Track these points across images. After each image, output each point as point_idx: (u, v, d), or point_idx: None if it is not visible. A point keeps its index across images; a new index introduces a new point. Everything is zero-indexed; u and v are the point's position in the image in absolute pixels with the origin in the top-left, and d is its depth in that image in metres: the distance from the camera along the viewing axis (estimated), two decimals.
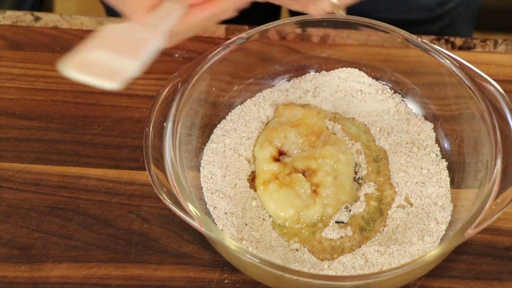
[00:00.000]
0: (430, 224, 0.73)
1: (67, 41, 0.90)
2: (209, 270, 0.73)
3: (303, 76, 0.84)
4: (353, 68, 0.84)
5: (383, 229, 0.74)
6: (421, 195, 0.75)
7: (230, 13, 0.66)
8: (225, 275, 0.73)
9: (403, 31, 0.78)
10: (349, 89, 0.83)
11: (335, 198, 0.75)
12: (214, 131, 0.80)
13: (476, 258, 0.74)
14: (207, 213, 0.74)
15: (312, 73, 0.84)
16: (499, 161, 0.69)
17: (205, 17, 0.65)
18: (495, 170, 0.68)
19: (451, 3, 1.00)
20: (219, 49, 0.77)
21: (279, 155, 0.77)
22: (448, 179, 0.76)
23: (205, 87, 0.77)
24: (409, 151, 0.78)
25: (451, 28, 1.03)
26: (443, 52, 0.76)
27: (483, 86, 0.73)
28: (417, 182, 0.76)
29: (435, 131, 0.80)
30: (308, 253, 0.73)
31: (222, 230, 0.72)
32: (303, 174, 0.76)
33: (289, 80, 0.84)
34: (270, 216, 0.75)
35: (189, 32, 0.67)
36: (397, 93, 0.83)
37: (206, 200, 0.75)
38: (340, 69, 0.84)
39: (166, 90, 0.73)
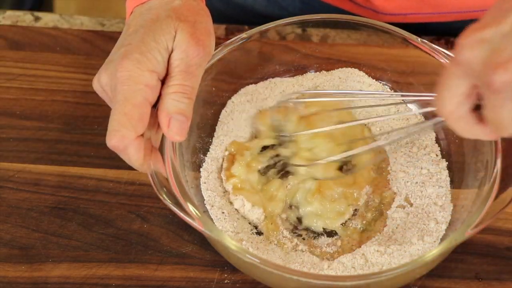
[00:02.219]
0: (430, 224, 0.73)
1: (67, 41, 0.90)
2: (209, 270, 0.73)
3: (303, 75, 0.84)
4: (353, 68, 0.84)
5: (383, 229, 0.74)
6: (421, 195, 0.75)
7: None
8: (225, 275, 0.73)
9: (403, 31, 0.78)
10: (349, 89, 0.83)
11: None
12: (215, 130, 0.80)
13: (476, 258, 0.74)
14: (207, 213, 0.74)
15: (312, 73, 0.84)
16: (499, 161, 0.69)
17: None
18: (495, 170, 0.68)
19: None
20: (219, 49, 0.77)
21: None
22: (448, 179, 0.76)
23: (205, 87, 0.77)
24: (409, 151, 0.78)
25: None
26: (443, 52, 0.76)
27: None
28: (417, 182, 0.76)
29: (435, 131, 0.80)
30: (308, 253, 0.73)
31: (222, 230, 0.72)
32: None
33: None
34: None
35: None
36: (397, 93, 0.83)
37: (206, 200, 0.75)
38: (340, 69, 0.84)
39: None
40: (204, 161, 0.78)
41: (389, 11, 0.89)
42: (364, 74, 0.83)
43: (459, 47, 0.56)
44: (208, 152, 0.78)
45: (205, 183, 0.76)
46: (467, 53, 0.55)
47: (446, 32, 0.92)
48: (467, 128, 0.59)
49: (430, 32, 0.92)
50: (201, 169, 0.77)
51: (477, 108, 0.58)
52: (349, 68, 0.84)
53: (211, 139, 0.79)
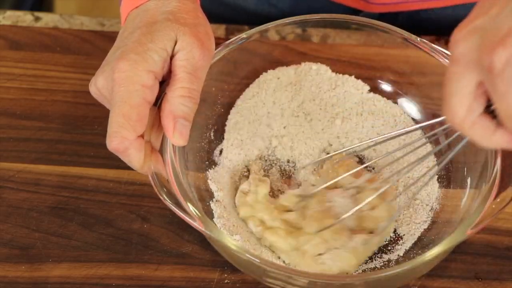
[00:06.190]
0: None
1: (67, 41, 0.90)
2: (209, 270, 0.73)
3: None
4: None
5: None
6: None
7: None
8: (225, 275, 0.73)
9: (403, 31, 0.78)
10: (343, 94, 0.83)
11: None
12: (214, 131, 0.80)
13: (476, 258, 0.74)
14: (207, 213, 0.74)
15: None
16: (498, 161, 0.69)
17: None
18: (495, 170, 0.68)
19: None
20: (219, 49, 0.77)
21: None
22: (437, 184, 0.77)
23: (205, 87, 0.77)
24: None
25: None
26: (443, 52, 0.76)
27: None
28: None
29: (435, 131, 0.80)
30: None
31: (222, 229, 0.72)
32: None
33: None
34: None
35: None
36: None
37: (207, 200, 0.75)
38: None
39: None
40: (204, 161, 0.78)
41: (380, 0, 0.89)
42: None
43: (453, 44, 0.55)
44: (209, 152, 0.78)
45: (205, 182, 0.76)
46: (462, 45, 0.54)
47: (439, 26, 0.92)
48: (485, 134, 0.56)
49: (424, 26, 0.91)
50: (202, 169, 0.77)
51: (491, 113, 0.55)
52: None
53: (211, 139, 0.79)
